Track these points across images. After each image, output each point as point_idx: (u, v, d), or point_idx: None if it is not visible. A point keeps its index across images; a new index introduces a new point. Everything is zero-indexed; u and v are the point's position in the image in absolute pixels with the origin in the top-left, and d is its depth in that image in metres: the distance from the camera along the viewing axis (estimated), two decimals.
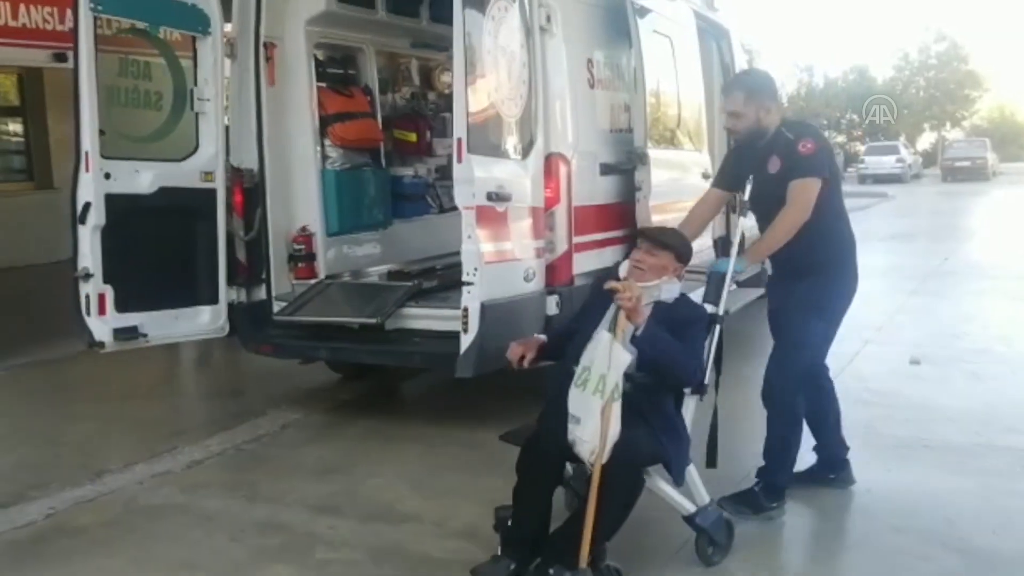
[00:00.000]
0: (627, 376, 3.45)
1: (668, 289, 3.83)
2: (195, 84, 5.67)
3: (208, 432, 5.82)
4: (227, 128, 5.86)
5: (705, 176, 7.31)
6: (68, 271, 5.29)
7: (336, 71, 6.78)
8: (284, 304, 6.09)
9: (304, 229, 6.31)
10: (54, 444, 5.71)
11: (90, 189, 5.11)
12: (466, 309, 4.70)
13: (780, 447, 4.43)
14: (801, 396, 4.41)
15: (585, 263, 5.58)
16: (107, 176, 5.16)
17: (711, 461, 4.01)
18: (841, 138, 50.34)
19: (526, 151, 5.18)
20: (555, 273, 5.35)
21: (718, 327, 3.94)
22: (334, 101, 6.53)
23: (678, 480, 3.76)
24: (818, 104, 51.20)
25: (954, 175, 40.53)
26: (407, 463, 5.30)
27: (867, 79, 53.57)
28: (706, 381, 3.86)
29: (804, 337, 4.35)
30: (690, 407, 3.88)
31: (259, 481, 5.07)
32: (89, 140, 5.05)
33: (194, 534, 4.35)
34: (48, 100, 12.52)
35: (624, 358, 3.42)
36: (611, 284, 3.63)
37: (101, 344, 5.30)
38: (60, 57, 7.70)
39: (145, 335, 5.46)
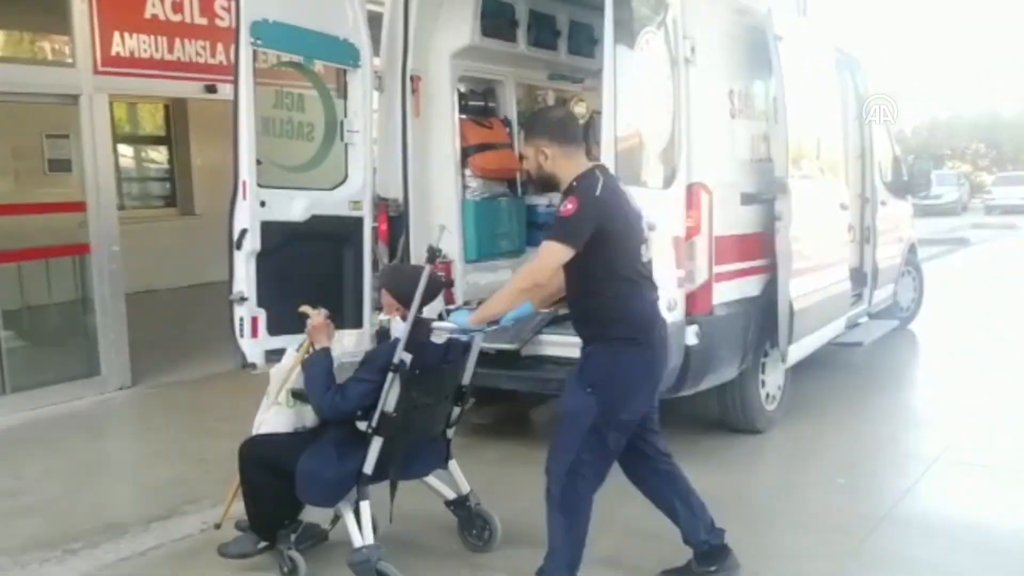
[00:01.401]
0: None
1: (395, 327, 4.06)
2: (345, 116, 5.89)
3: None
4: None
5: (843, 207, 7.21)
6: (208, 295, 5.51)
7: (477, 103, 6.96)
8: None
9: (444, 256, 6.42)
10: (203, 461, 5.96)
11: (247, 216, 5.33)
12: None
13: (552, 537, 3.93)
14: (590, 484, 3.88)
15: (725, 293, 5.55)
16: (262, 204, 5.38)
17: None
18: (966, 167, 48.67)
19: (669, 181, 5.20)
20: (695, 303, 5.32)
21: (391, 375, 3.87)
22: (475, 132, 6.69)
23: (299, 490, 3.97)
24: (942, 135, 49.64)
25: None
26: (543, 488, 5.33)
27: (993, 109, 51.77)
28: (373, 424, 3.90)
29: (575, 413, 3.85)
30: (373, 446, 3.92)
31: (401, 503, 5.16)
32: (247, 169, 5.27)
33: (336, 551, 4.41)
34: (192, 130, 13.17)
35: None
36: (303, 308, 4.29)
37: (253, 365, 5.49)
38: (211, 89, 8.12)
39: None
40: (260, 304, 5.41)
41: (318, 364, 4.05)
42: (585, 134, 7.66)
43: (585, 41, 7.57)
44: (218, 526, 4.48)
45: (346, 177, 5.92)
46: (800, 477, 5.69)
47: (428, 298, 4.14)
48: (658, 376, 3.93)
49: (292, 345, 4.42)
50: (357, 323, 5.96)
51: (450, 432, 4.52)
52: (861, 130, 8.15)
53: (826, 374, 7.59)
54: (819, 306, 6.41)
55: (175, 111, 13.21)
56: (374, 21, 6.02)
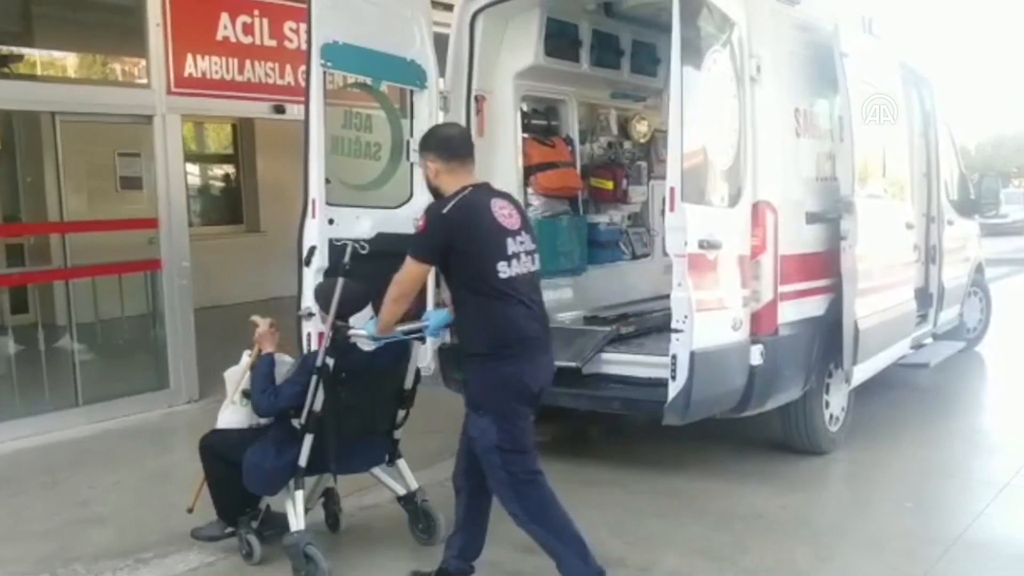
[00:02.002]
0: None
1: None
2: (411, 135, 5.96)
3: (411, 468, 5.98)
4: None
5: (908, 226, 7.12)
6: (273, 310, 5.63)
7: (540, 122, 7.03)
8: None
9: None
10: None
11: (315, 234, 5.39)
12: (675, 356, 4.72)
13: (548, 548, 4.07)
14: (531, 496, 4.00)
15: (790, 312, 5.51)
16: (331, 222, 5.44)
17: None
18: None
19: (734, 199, 5.19)
20: (760, 322, 5.31)
21: (314, 377, 4.25)
22: (538, 151, 6.75)
23: (244, 480, 4.36)
24: (1008, 151, 48.60)
25: None
26: (606, 507, 5.33)
27: None
28: (302, 421, 4.29)
29: (479, 437, 3.95)
30: (305, 442, 4.29)
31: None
32: (316, 188, 5.35)
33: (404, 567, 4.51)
34: (259, 149, 13.44)
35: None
36: (253, 318, 4.74)
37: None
38: (279, 109, 8.28)
39: None
40: None
41: (260, 367, 4.51)
42: (646, 152, 7.81)
43: (647, 60, 7.60)
44: (190, 510, 4.79)
45: (411, 195, 5.98)
46: (866, 500, 5.60)
47: (352, 309, 4.38)
48: (524, 388, 3.93)
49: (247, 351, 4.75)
50: (420, 339, 6.01)
51: (397, 432, 4.82)
52: (927, 148, 8.04)
53: (891, 396, 7.48)
54: (884, 326, 6.33)
55: (242, 130, 13.50)
56: (440, 42, 6.10)
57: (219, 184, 14.12)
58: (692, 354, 4.71)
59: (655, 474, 5.87)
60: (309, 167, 5.33)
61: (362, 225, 5.65)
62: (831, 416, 6.20)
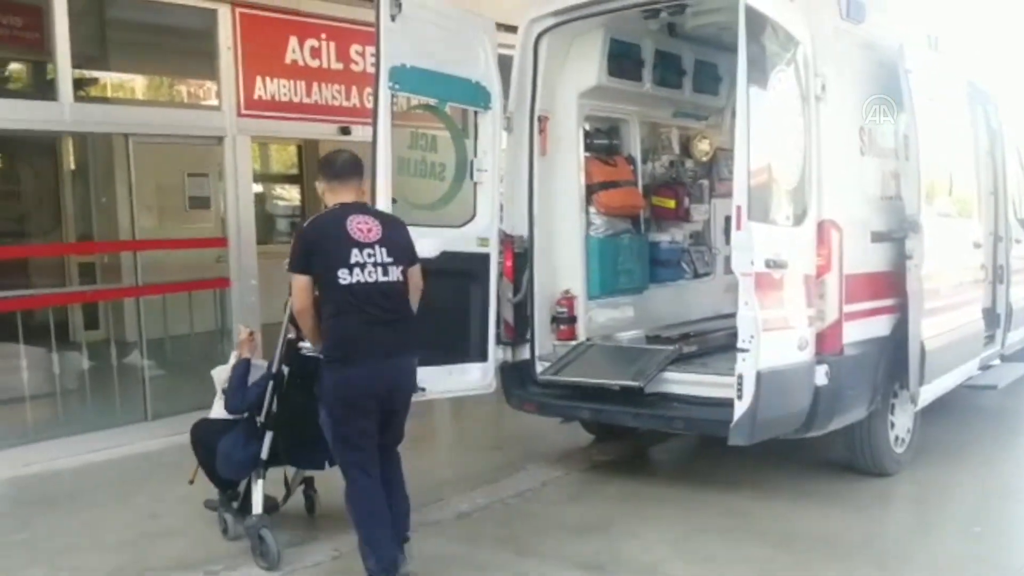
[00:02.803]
0: None
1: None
2: (475, 155, 6.06)
3: (473, 485, 6.08)
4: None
5: (976, 245, 7.01)
6: None
7: (602, 141, 7.07)
8: (547, 364, 6.31)
9: (567, 292, 6.55)
10: (335, 490, 6.14)
11: None
12: (741, 376, 4.70)
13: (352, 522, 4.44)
14: (351, 484, 4.39)
15: (855, 332, 5.46)
16: None
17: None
18: None
19: (800, 218, 5.17)
20: (824, 342, 5.26)
21: (270, 382, 4.84)
22: (600, 170, 6.79)
23: (217, 466, 4.96)
24: None
25: None
26: (667, 525, 5.34)
27: None
28: (261, 419, 4.84)
29: (324, 426, 4.43)
30: (266, 437, 4.82)
31: (526, 536, 5.25)
32: (383, 208, 5.44)
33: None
34: None
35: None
36: (238, 326, 5.56)
37: (423, 389, 5.61)
38: (345, 130, 8.42)
39: (423, 389, 5.75)
40: None
41: (235, 370, 5.04)
42: (708, 170, 7.81)
43: (709, 79, 7.61)
44: (191, 482, 5.26)
45: (474, 215, 6.08)
46: (933, 523, 5.52)
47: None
48: (353, 392, 4.31)
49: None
50: (482, 357, 6.09)
51: None
52: (994, 166, 7.91)
53: (958, 417, 7.34)
54: (951, 347, 6.23)
55: (307, 151, 13.72)
56: (503, 63, 6.19)
57: (282, 203, 14.35)
58: (759, 374, 4.68)
59: (716, 493, 5.85)
60: (376, 187, 5.43)
61: (427, 244, 5.71)
62: (896, 437, 6.12)
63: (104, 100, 10.61)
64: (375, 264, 4.28)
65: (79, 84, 8.12)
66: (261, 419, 4.88)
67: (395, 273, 4.34)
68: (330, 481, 4.96)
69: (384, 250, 4.32)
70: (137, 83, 12.30)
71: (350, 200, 4.46)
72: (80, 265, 10.11)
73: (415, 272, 4.56)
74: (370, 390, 4.31)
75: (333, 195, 4.48)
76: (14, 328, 6.98)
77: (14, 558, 5.07)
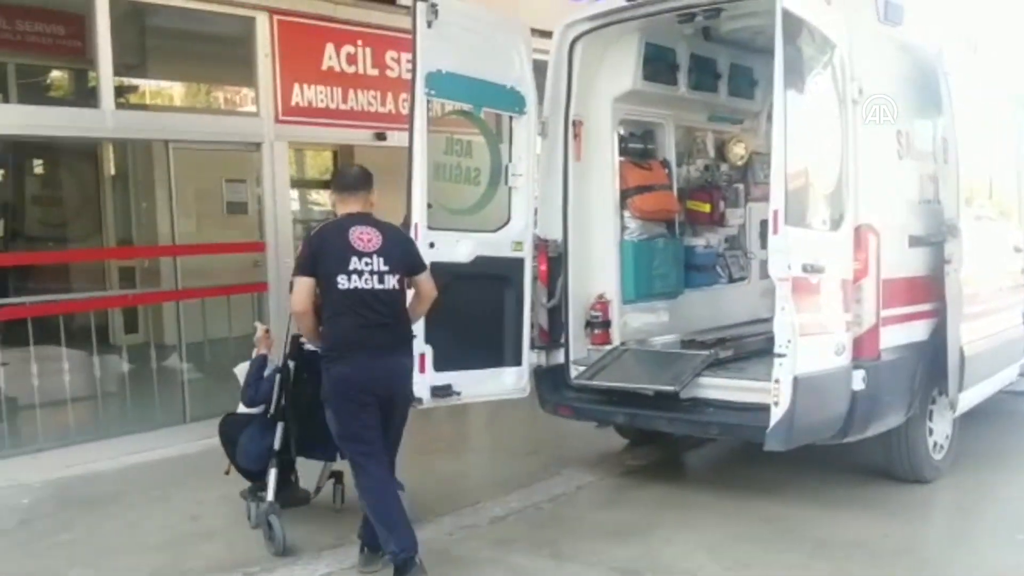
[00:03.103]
0: None
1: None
2: (510, 160, 6.08)
3: (507, 489, 6.10)
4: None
5: (1016, 249, 6.93)
6: None
7: (636, 145, 7.05)
8: (581, 368, 6.31)
9: (601, 297, 6.55)
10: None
11: None
12: (778, 381, 4.67)
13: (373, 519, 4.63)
14: (361, 474, 4.61)
15: (892, 337, 5.41)
16: (431, 245, 5.56)
17: None
18: None
19: (836, 223, 5.14)
20: (861, 347, 5.22)
21: (277, 376, 5.29)
22: (635, 174, 6.78)
23: (237, 457, 5.34)
24: None
25: None
26: (703, 531, 5.32)
27: None
28: (271, 411, 5.28)
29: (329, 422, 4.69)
30: (278, 429, 5.21)
31: (561, 540, 5.26)
32: (419, 213, 5.50)
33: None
34: None
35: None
36: (256, 324, 5.89)
37: (420, 400, 5.66)
38: (380, 136, 8.50)
39: (458, 393, 5.81)
40: (427, 341, 5.58)
41: (252, 365, 5.45)
42: (743, 174, 7.77)
43: (745, 83, 7.58)
44: (227, 473, 5.46)
45: (509, 219, 6.10)
46: (974, 530, 5.45)
47: None
48: (353, 388, 4.53)
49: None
50: (517, 361, 6.10)
51: None
52: None
53: (998, 424, 7.25)
54: (991, 352, 6.18)
55: (343, 157, 13.81)
56: (538, 68, 6.21)
57: (317, 208, 14.45)
58: (795, 379, 4.65)
59: (752, 499, 5.81)
60: (412, 192, 5.49)
61: (462, 248, 5.78)
62: (935, 444, 6.05)
63: (143, 107, 10.77)
64: (371, 272, 4.55)
65: (119, 91, 8.24)
66: (271, 411, 5.29)
67: (391, 281, 4.61)
68: None
69: (381, 259, 4.58)
70: (175, 90, 12.47)
71: (357, 211, 4.71)
72: (120, 269, 10.25)
73: (423, 281, 4.83)
74: (366, 385, 4.54)
75: (342, 206, 4.76)
76: (56, 331, 7.09)
77: (58, 559, 5.16)
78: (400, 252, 4.71)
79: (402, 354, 4.72)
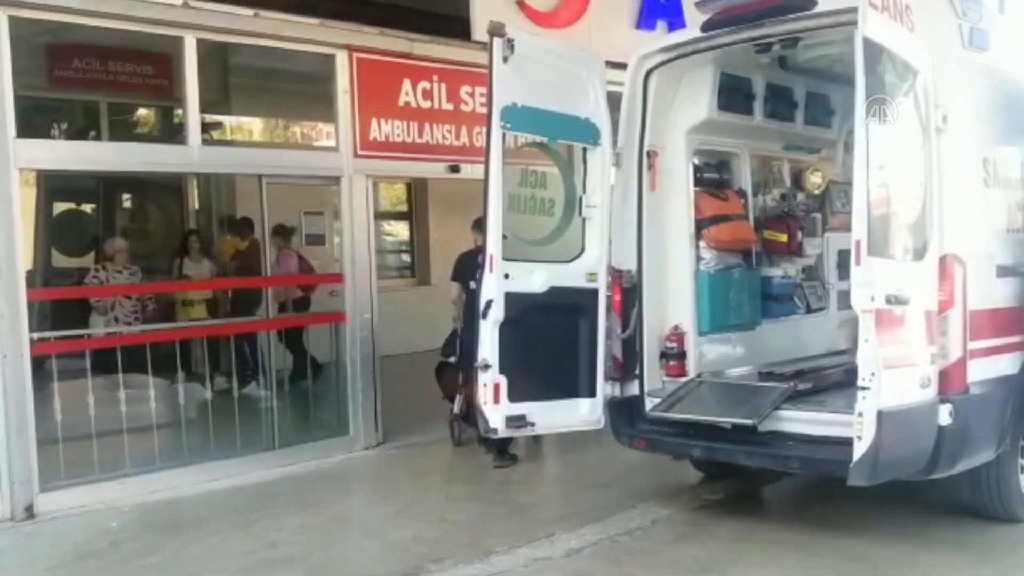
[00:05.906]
0: None
1: None
2: (584, 191, 6.10)
3: (582, 522, 6.05)
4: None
5: None
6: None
7: (712, 175, 7.00)
8: (656, 400, 6.25)
9: (677, 328, 6.48)
10: (444, 522, 6.21)
11: (493, 288, 5.60)
12: (861, 415, 4.55)
13: None
14: None
15: (980, 371, 5.25)
16: (506, 276, 5.63)
17: None
18: None
19: (920, 253, 5.02)
20: (948, 380, 5.08)
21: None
22: (710, 204, 6.72)
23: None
24: None
25: None
26: (782, 569, 5.22)
27: None
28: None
29: None
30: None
31: (637, 574, 5.20)
32: (494, 244, 5.56)
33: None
34: (431, 206, 13.95)
35: None
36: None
37: (495, 430, 5.71)
38: (454, 168, 8.60)
39: (532, 424, 5.82)
40: (502, 371, 5.62)
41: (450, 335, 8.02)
42: (820, 204, 7.65)
43: (821, 111, 7.48)
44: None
45: (583, 250, 6.12)
46: None
47: None
48: None
49: None
50: (591, 392, 6.09)
51: None
52: None
53: None
54: None
55: (417, 189, 14.06)
56: (612, 99, 6.24)
57: (391, 239, 14.70)
58: (880, 413, 4.53)
59: (835, 536, 5.67)
60: (488, 224, 5.55)
61: (536, 279, 5.81)
62: None
63: (227, 143, 11.08)
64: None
65: (204, 127, 8.50)
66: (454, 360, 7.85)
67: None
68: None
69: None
70: (255, 125, 12.82)
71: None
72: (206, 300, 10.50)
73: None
74: None
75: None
76: (143, 360, 7.29)
77: None
78: None
79: None
